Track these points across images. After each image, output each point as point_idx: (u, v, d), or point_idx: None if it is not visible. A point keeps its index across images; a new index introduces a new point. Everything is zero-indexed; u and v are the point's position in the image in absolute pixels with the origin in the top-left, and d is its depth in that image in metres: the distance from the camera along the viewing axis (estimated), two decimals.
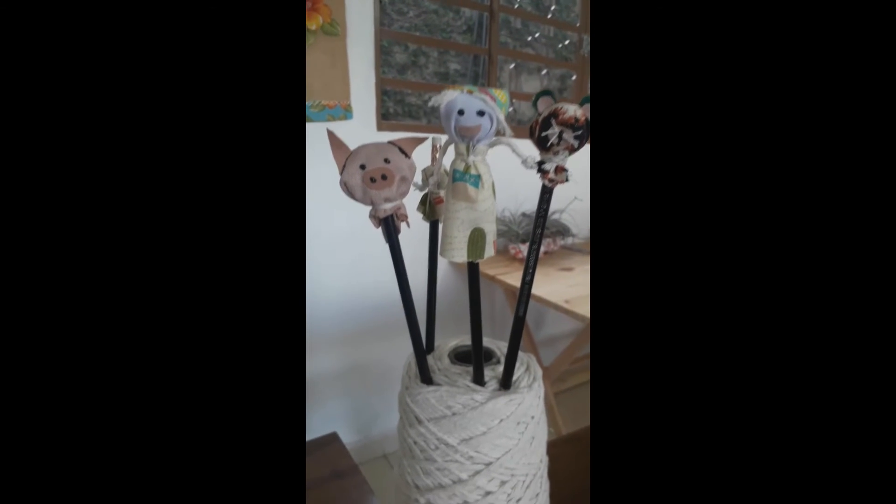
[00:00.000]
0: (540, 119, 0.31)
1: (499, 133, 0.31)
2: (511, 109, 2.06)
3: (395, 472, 0.41)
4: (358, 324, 1.56)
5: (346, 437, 1.50)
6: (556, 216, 1.71)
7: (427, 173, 0.39)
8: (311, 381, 1.52)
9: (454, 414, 0.35)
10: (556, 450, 0.67)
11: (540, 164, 0.32)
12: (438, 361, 0.41)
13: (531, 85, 2.22)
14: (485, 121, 0.29)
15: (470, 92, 0.29)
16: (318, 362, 1.53)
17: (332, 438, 1.28)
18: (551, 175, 0.32)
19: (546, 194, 0.33)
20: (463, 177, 0.31)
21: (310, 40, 1.30)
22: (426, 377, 0.38)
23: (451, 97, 0.28)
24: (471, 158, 0.30)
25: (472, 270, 0.34)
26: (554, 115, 0.30)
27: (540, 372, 0.41)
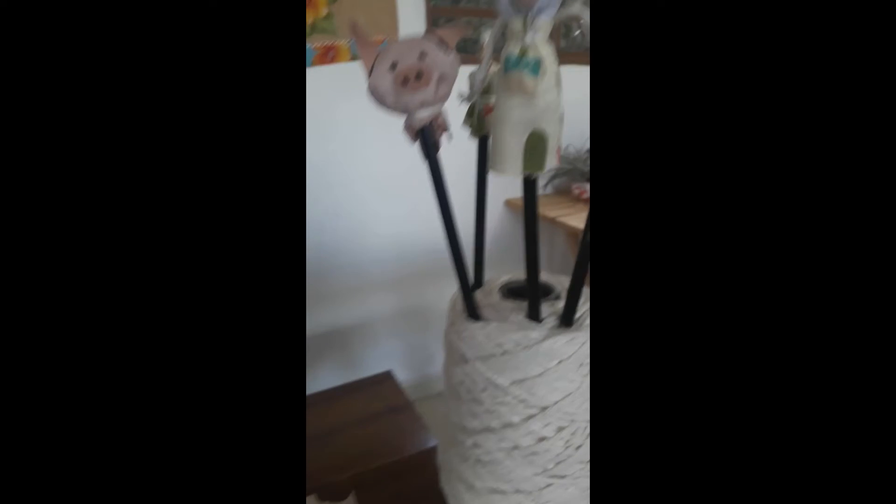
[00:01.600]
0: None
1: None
2: (577, 33, 1.85)
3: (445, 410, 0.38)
4: (413, 267, 1.55)
5: (402, 376, 1.54)
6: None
7: (474, 79, 0.33)
8: (366, 322, 1.56)
9: (505, 353, 0.31)
10: None
11: None
12: (488, 296, 0.36)
13: None
14: None
15: None
16: (374, 305, 1.56)
17: (387, 376, 1.31)
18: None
19: None
20: (518, 63, 0.24)
21: None
22: (473, 312, 0.33)
23: None
24: (529, 37, 0.24)
25: (529, 187, 0.28)
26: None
27: None
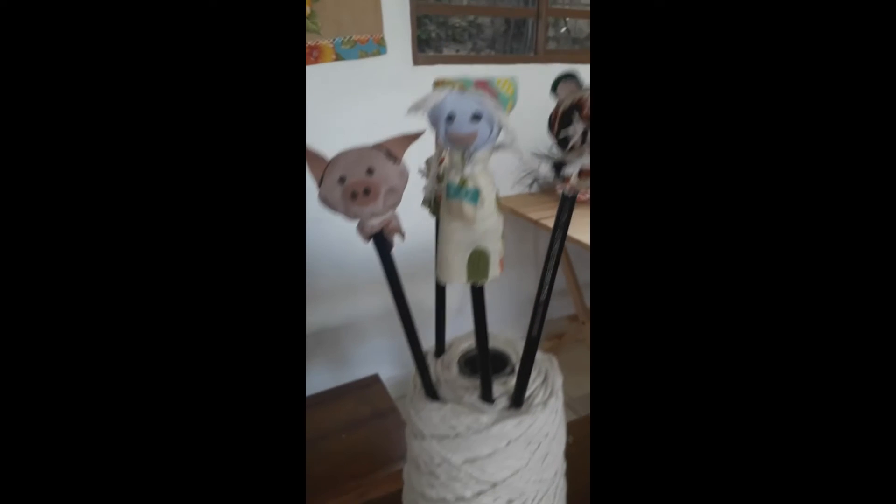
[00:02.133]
0: (560, 111, 0.25)
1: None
2: (564, 30, 1.82)
3: (404, 472, 0.40)
4: (400, 266, 1.56)
5: (390, 373, 1.57)
6: None
7: (430, 164, 0.33)
8: (355, 322, 1.58)
9: (458, 435, 0.33)
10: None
11: (557, 166, 0.26)
12: (446, 371, 0.38)
13: None
14: (482, 126, 0.23)
15: (463, 89, 0.23)
16: (362, 304, 1.58)
17: (374, 380, 1.34)
18: (573, 182, 0.26)
19: (566, 203, 0.27)
20: (458, 192, 0.25)
21: None
22: (430, 391, 0.35)
23: (436, 99, 0.22)
24: (467, 170, 0.25)
25: (476, 294, 0.29)
26: (578, 107, 0.24)
27: (560, 380, 0.37)
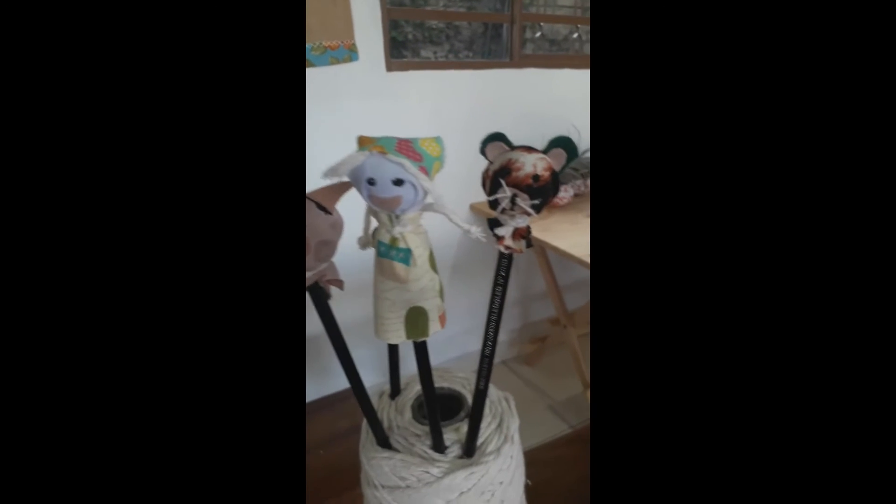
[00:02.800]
0: (490, 172, 0.24)
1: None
2: (539, 34, 1.81)
3: None
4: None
5: (371, 381, 1.56)
6: (587, 155, 1.57)
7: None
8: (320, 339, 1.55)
9: (408, 486, 0.32)
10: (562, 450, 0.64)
11: (492, 224, 0.25)
12: (399, 416, 0.37)
13: None
14: (406, 191, 0.22)
15: (382, 152, 0.21)
16: (339, 313, 1.55)
17: (352, 392, 1.32)
18: (507, 241, 0.25)
19: (504, 260, 0.26)
20: (388, 252, 0.24)
21: None
22: (381, 439, 0.34)
23: (354, 163, 0.21)
24: (396, 230, 0.23)
25: (419, 350, 0.28)
26: (504, 171, 0.22)
27: (516, 424, 0.36)
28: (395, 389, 0.39)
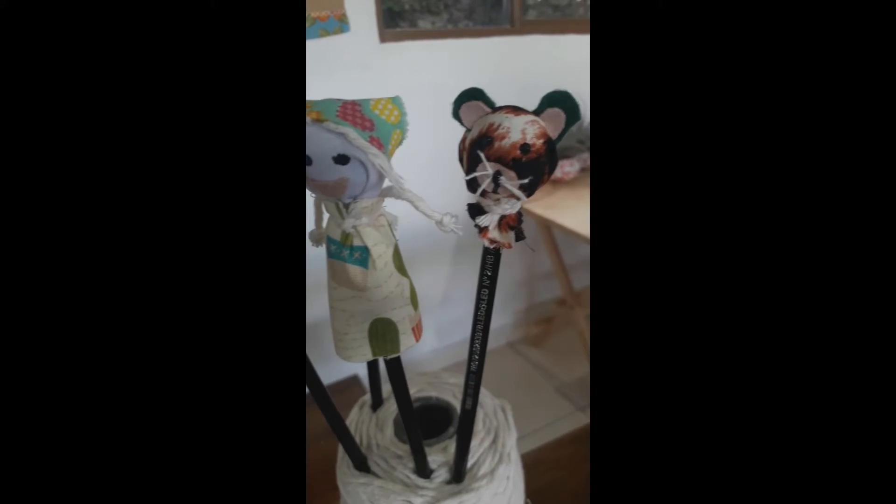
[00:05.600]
0: (467, 143, 0.18)
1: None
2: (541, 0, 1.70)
3: None
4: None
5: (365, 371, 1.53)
6: None
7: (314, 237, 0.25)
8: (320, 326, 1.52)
9: None
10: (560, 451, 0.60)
11: (473, 211, 0.19)
12: (379, 433, 0.32)
13: None
14: (353, 171, 0.16)
15: (319, 119, 0.16)
16: (316, 307, 1.52)
17: (353, 382, 1.30)
18: (491, 233, 0.19)
19: (489, 257, 0.20)
20: (340, 252, 0.19)
21: None
22: (358, 462, 0.29)
23: None
24: (348, 224, 0.18)
25: (392, 367, 0.23)
26: (484, 140, 0.17)
27: (513, 438, 0.32)
28: (377, 400, 0.34)
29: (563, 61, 1.55)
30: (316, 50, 1.20)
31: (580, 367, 1.71)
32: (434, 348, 1.53)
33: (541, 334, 1.84)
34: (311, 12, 1.16)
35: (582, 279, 1.90)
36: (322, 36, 1.21)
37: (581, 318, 1.62)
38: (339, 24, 1.22)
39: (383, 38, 1.28)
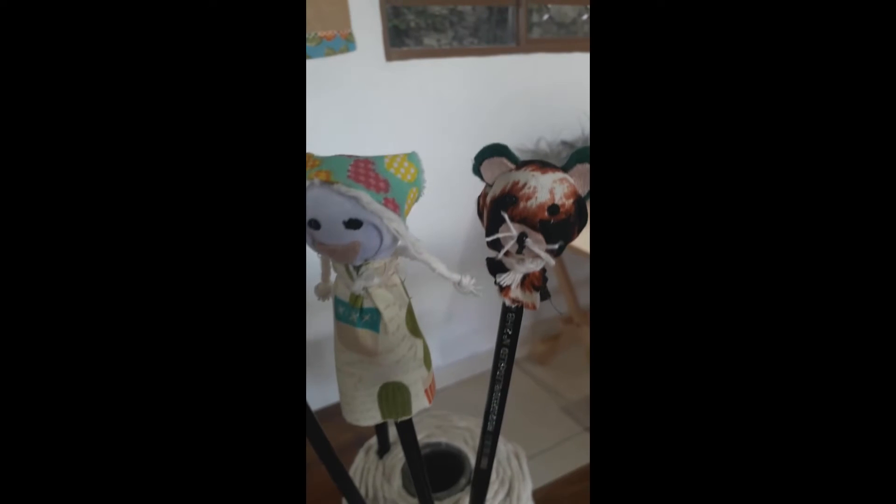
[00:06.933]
0: (488, 200, 0.17)
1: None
2: (546, 17, 1.70)
3: None
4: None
5: None
6: None
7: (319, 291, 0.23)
8: (322, 344, 1.50)
9: None
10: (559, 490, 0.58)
11: (493, 267, 0.18)
12: (386, 483, 0.30)
13: None
14: (365, 234, 0.15)
15: (328, 180, 0.15)
16: (319, 325, 1.50)
17: None
18: (513, 293, 0.18)
19: (511, 315, 0.19)
20: (349, 315, 0.17)
21: None
22: None
23: None
24: (358, 286, 0.17)
25: (403, 430, 0.22)
26: (508, 199, 0.16)
27: (528, 488, 0.30)
28: (384, 445, 0.33)
29: (568, 79, 1.55)
30: (322, 69, 1.20)
31: (587, 386, 1.68)
32: (438, 366, 1.51)
33: (547, 352, 1.82)
34: (318, 32, 1.17)
35: (588, 296, 1.87)
36: (328, 55, 1.22)
37: (587, 336, 1.59)
38: (346, 43, 1.22)
39: (389, 57, 1.29)
